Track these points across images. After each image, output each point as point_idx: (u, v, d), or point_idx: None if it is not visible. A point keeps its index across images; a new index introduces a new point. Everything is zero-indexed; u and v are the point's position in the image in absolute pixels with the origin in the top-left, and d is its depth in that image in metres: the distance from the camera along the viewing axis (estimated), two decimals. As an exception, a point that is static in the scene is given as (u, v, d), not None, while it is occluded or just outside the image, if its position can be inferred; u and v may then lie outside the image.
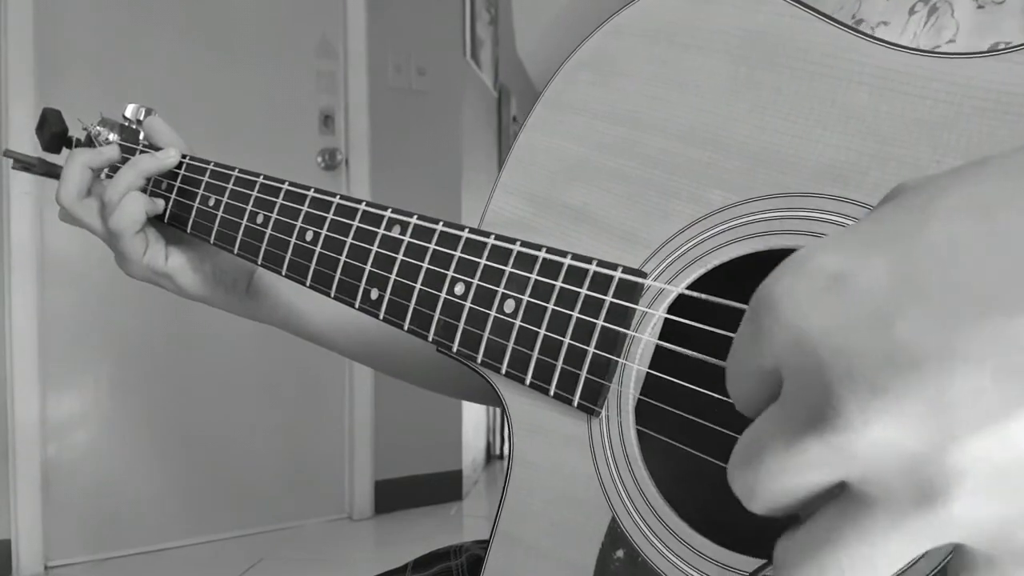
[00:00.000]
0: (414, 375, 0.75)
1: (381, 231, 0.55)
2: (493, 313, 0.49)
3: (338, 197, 0.58)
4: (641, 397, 0.44)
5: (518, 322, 0.48)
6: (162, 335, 2.45)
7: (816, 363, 0.20)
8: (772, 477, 0.22)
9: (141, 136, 0.76)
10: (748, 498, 0.23)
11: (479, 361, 0.49)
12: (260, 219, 0.63)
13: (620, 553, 0.43)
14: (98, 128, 0.76)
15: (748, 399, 0.24)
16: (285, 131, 2.62)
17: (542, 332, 0.47)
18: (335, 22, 2.72)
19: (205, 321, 2.48)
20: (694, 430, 0.44)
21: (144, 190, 0.70)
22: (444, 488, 2.92)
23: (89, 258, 2.31)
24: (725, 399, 0.40)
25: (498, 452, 3.63)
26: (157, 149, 0.73)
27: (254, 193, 0.64)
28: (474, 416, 3.20)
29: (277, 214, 0.62)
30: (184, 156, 0.70)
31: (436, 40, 2.91)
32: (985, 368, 0.19)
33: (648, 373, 0.44)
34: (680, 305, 0.43)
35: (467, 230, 0.51)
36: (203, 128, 2.37)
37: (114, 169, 0.73)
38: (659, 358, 0.44)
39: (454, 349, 0.50)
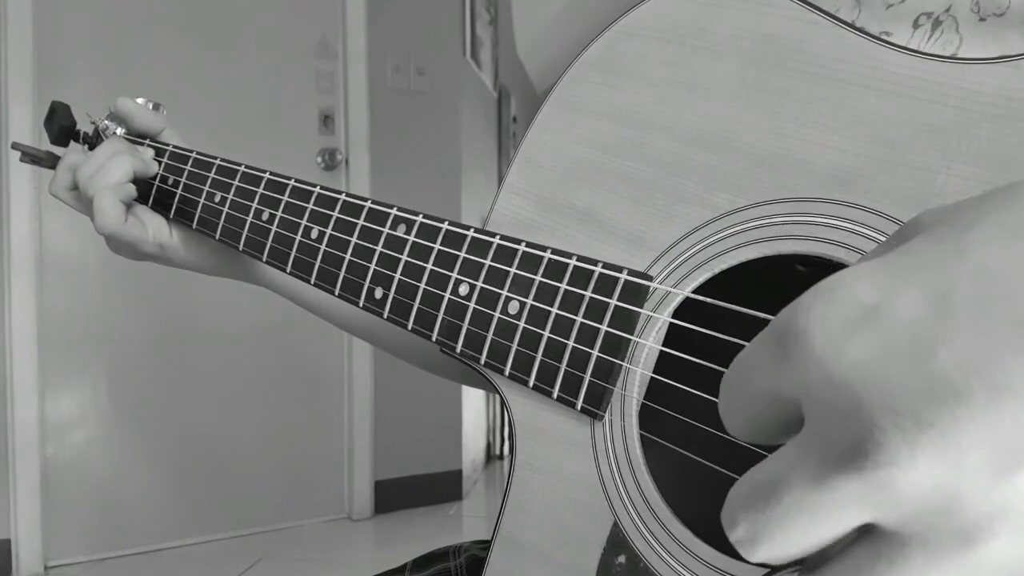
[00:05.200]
0: (411, 355, 0.75)
1: (386, 230, 0.54)
2: (497, 314, 0.48)
3: (344, 195, 0.58)
4: (645, 402, 0.44)
5: (522, 324, 0.47)
6: (161, 334, 2.45)
7: (853, 398, 0.19)
8: (791, 519, 0.20)
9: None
10: (752, 542, 0.21)
11: (483, 362, 0.49)
12: (266, 216, 0.63)
13: (622, 558, 0.43)
14: (106, 122, 0.76)
15: (752, 424, 0.23)
16: (285, 131, 2.62)
17: (546, 334, 0.46)
18: (335, 22, 2.71)
19: (205, 320, 2.48)
20: (698, 435, 0.44)
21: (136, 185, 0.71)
22: (444, 488, 2.92)
23: (88, 257, 2.31)
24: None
25: (498, 452, 3.63)
26: (144, 137, 0.75)
27: (260, 190, 0.64)
28: (474, 416, 3.20)
29: (283, 212, 0.62)
30: (192, 151, 0.71)
31: (436, 40, 2.90)
32: None
33: (652, 377, 0.44)
34: (686, 309, 0.43)
35: (472, 230, 0.50)
36: (203, 128, 2.37)
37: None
38: (664, 362, 0.44)
39: (458, 350, 0.50)
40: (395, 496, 2.82)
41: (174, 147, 0.72)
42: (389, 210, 0.55)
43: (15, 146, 0.76)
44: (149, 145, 0.74)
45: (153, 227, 0.71)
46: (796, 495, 0.20)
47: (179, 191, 0.70)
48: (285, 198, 0.62)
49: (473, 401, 3.16)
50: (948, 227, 0.21)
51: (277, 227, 0.62)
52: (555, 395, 0.46)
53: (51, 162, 0.77)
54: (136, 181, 0.70)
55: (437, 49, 2.90)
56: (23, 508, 2.23)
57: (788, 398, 0.21)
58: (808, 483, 0.20)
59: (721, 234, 0.42)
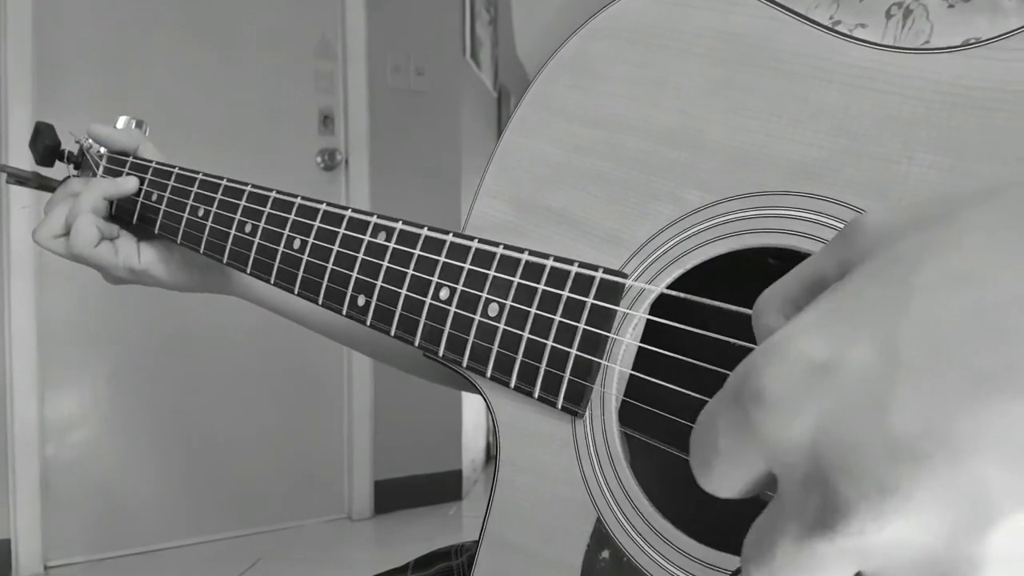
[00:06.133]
0: (396, 360, 0.76)
1: (367, 238, 0.55)
2: (477, 317, 0.49)
3: (324, 204, 0.58)
4: (624, 398, 0.44)
5: (502, 326, 0.48)
6: (160, 335, 2.45)
7: (813, 461, 0.19)
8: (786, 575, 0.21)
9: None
10: None
11: (465, 365, 0.49)
12: (248, 228, 0.63)
13: (605, 554, 0.43)
14: (90, 140, 0.76)
15: (726, 484, 0.23)
16: (285, 131, 2.63)
17: (525, 335, 0.47)
18: (334, 22, 2.72)
19: (204, 321, 2.49)
20: (677, 430, 0.44)
21: (110, 210, 0.72)
22: (444, 488, 2.92)
23: (88, 259, 2.31)
24: (707, 399, 0.41)
25: (498, 452, 3.62)
26: (124, 155, 0.75)
27: (242, 202, 0.64)
28: (474, 416, 3.20)
29: (265, 223, 0.62)
30: (175, 167, 0.71)
31: (435, 40, 2.90)
32: (990, 458, 0.18)
33: (631, 374, 0.44)
34: (661, 304, 0.44)
35: (451, 234, 0.51)
36: (203, 129, 2.37)
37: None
38: (642, 358, 0.44)
39: (440, 353, 0.50)
40: (395, 496, 2.82)
41: (157, 163, 0.73)
42: (369, 218, 0.55)
43: (2, 168, 0.76)
44: (133, 161, 0.74)
45: (124, 253, 0.72)
46: (787, 555, 0.20)
47: (163, 206, 0.71)
48: (267, 210, 0.62)
49: (473, 401, 3.17)
50: (893, 266, 0.20)
51: (260, 239, 0.62)
52: (536, 395, 0.46)
53: (37, 182, 0.77)
54: (122, 201, 0.71)
55: (437, 49, 2.90)
56: (23, 508, 2.24)
57: (754, 461, 0.21)
58: (792, 544, 0.20)
59: (692, 230, 0.43)
